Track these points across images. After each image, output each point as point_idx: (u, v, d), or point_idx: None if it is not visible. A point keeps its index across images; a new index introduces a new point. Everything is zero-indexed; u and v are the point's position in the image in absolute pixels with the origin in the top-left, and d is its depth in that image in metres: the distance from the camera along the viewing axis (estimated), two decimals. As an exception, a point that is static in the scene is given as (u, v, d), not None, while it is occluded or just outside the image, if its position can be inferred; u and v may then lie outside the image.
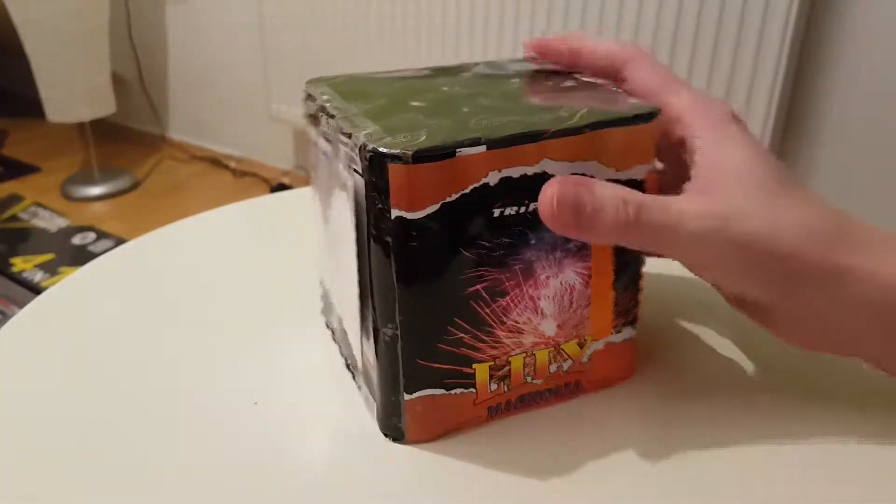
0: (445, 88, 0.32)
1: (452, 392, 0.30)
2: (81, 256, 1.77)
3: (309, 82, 0.33)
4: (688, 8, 1.29)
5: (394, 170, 0.25)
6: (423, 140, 0.26)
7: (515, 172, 0.27)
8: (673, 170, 0.32)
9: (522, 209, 0.27)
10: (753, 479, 0.28)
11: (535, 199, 0.27)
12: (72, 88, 2.00)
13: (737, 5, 1.23)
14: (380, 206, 0.26)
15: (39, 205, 2.04)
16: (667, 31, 1.32)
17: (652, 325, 0.37)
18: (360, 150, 0.26)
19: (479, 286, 0.28)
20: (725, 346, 0.36)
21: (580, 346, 0.31)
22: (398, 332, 0.28)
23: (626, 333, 0.32)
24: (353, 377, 0.33)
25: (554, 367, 0.31)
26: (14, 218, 1.97)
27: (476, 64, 0.36)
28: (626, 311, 0.32)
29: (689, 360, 0.35)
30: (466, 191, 0.26)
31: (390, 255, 0.27)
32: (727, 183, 0.27)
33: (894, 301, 0.26)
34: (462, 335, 0.28)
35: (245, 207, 0.52)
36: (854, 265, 0.26)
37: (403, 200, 0.26)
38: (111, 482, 0.28)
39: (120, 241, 1.52)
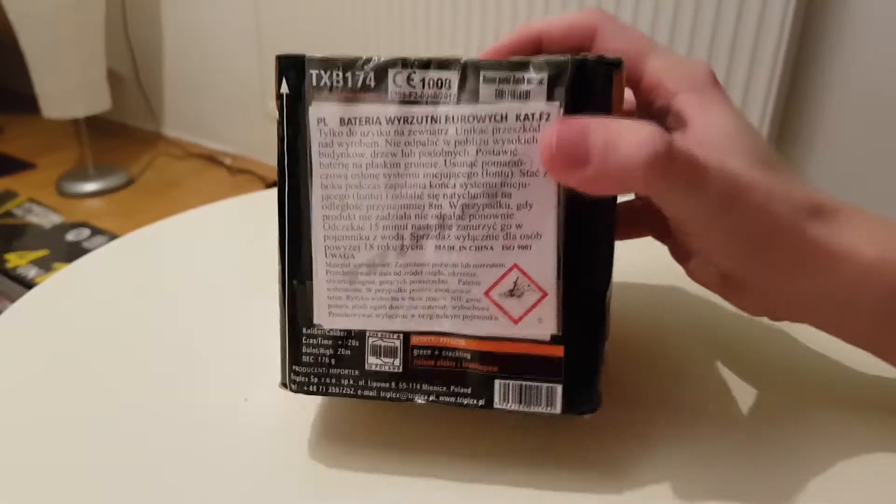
0: None
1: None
2: (76, 253, 1.76)
3: (290, 57, 0.26)
4: (684, 10, 1.29)
5: (618, 79, 0.24)
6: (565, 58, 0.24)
7: None
8: None
9: None
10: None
11: None
12: (67, 85, 1.99)
13: (733, 5, 1.23)
14: None
15: (34, 201, 2.03)
16: (663, 32, 1.32)
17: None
18: (574, 67, 0.24)
19: None
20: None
21: None
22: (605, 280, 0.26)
23: None
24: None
25: None
26: (8, 214, 1.96)
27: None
28: None
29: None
30: None
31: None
32: (730, 151, 0.26)
33: (852, 275, 0.27)
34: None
35: (239, 203, 0.52)
36: (825, 241, 0.26)
37: (618, 111, 0.25)
38: (105, 477, 0.28)
39: (114, 238, 1.52)
